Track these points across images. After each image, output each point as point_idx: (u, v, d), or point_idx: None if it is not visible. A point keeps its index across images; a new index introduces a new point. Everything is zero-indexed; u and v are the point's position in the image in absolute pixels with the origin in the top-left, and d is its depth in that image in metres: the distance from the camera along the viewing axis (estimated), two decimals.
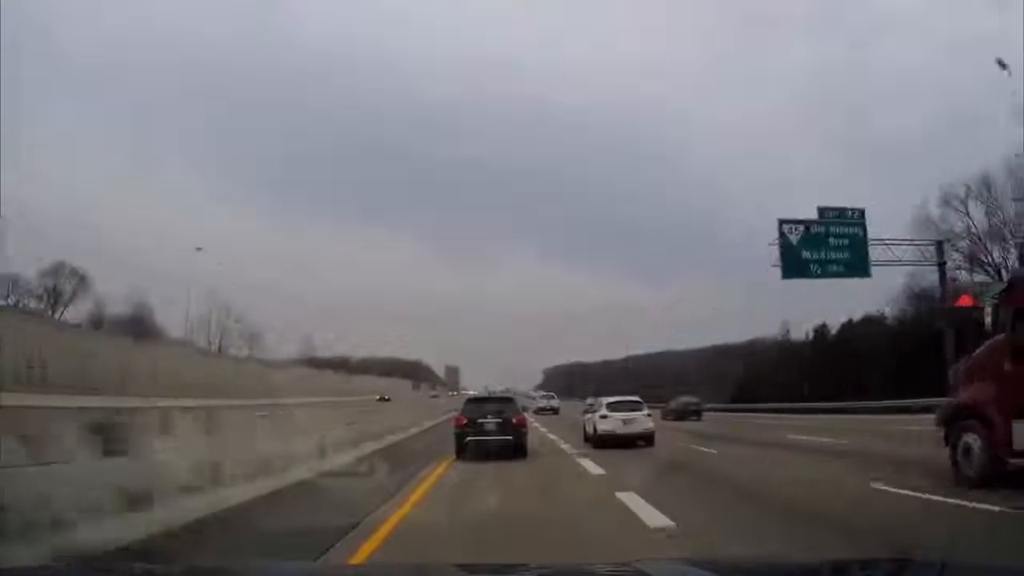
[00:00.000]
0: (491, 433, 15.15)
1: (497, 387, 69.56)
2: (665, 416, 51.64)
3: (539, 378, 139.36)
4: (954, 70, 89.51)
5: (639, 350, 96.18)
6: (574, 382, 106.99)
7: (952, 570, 3.01)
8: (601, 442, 17.52)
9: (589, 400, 47.03)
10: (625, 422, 17.79)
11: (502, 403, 16.69)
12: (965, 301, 24.37)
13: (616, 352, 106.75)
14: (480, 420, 15.34)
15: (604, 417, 18.04)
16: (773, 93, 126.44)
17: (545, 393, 65.04)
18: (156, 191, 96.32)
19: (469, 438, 15.12)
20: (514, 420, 15.50)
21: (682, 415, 39.06)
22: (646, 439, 17.68)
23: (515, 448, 15.07)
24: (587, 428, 19.56)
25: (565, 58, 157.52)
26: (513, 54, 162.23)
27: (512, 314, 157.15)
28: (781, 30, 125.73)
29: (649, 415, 18.41)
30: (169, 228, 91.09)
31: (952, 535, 5.92)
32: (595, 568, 3.30)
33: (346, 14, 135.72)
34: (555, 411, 49.54)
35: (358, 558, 5.92)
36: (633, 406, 18.56)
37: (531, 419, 32.06)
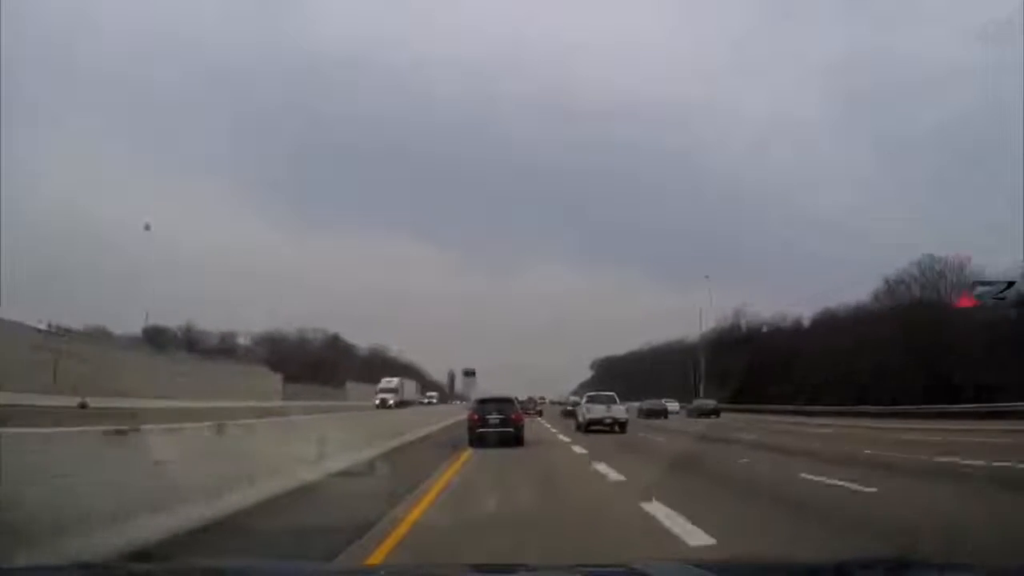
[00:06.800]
0: (496, 426, 19.55)
1: (521, 394, 51.20)
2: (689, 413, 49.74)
3: (586, 374, 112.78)
4: None
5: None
6: (620, 377, 79.18)
7: (952, 570, 3.03)
8: None
9: None
10: None
11: (505, 403, 20.92)
12: (966, 302, 24.32)
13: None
14: (488, 416, 19.86)
15: None
16: None
17: (596, 393, 32.11)
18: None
19: (479, 429, 19.53)
20: (513, 416, 20.08)
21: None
22: None
23: (515, 438, 19.33)
24: None
25: None
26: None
27: (546, 310, 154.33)
28: None
29: None
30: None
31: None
32: (596, 568, 3.32)
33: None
34: (620, 426, 26.66)
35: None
36: None
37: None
